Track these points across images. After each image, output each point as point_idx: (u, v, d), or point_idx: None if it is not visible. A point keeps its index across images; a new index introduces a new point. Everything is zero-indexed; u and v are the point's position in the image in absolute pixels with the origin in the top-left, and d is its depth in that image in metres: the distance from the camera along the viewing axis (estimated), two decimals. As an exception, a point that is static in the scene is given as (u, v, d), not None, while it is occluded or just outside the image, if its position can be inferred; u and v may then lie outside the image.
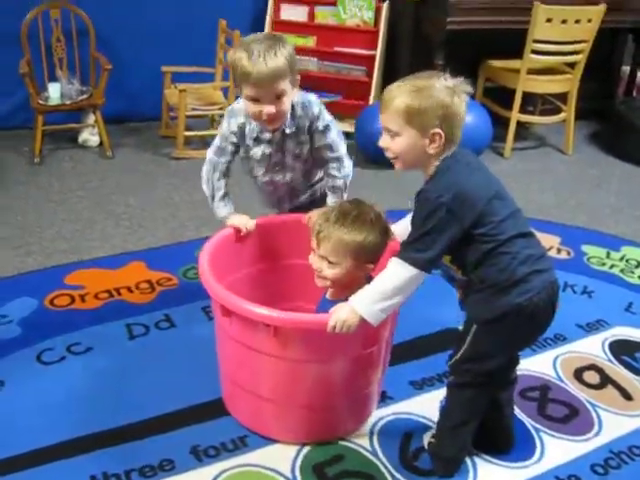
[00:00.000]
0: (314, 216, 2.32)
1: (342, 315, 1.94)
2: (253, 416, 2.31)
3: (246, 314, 2.02)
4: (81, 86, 4.56)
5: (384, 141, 1.98)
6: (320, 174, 2.61)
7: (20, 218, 3.66)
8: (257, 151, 2.47)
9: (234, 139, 2.47)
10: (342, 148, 2.50)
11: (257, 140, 2.45)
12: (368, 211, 2.14)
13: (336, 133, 2.47)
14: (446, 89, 1.88)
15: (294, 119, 2.38)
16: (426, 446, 2.25)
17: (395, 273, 1.91)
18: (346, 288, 2.13)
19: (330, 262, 2.12)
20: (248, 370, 2.20)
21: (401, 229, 2.20)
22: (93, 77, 4.64)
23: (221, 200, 2.57)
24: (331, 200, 2.52)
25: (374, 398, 2.38)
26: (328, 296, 2.26)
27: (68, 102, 4.44)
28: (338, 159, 2.49)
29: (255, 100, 2.25)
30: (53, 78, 4.55)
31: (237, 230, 2.48)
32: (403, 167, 1.99)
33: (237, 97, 2.43)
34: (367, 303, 1.93)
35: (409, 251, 1.89)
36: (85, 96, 4.50)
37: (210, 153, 2.55)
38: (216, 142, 2.52)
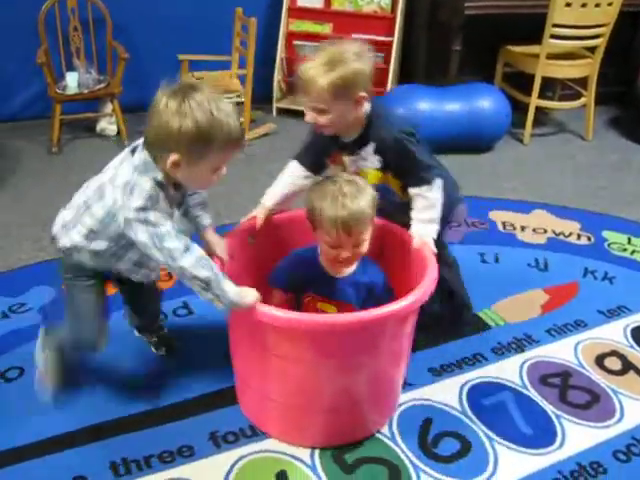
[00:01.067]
0: None
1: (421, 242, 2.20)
2: (275, 421, 2.26)
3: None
4: (98, 75, 4.57)
5: (311, 117, 2.13)
6: None
7: (38, 207, 3.67)
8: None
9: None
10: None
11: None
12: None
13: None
14: (355, 55, 2.03)
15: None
16: None
17: (430, 197, 2.22)
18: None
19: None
20: (272, 378, 2.15)
21: (275, 201, 2.42)
22: (110, 66, 4.64)
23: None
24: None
25: (397, 394, 2.36)
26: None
27: (86, 91, 4.45)
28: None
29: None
30: (70, 67, 4.56)
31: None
32: (334, 132, 2.19)
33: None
34: (432, 232, 2.25)
35: (424, 178, 2.21)
36: (102, 85, 4.51)
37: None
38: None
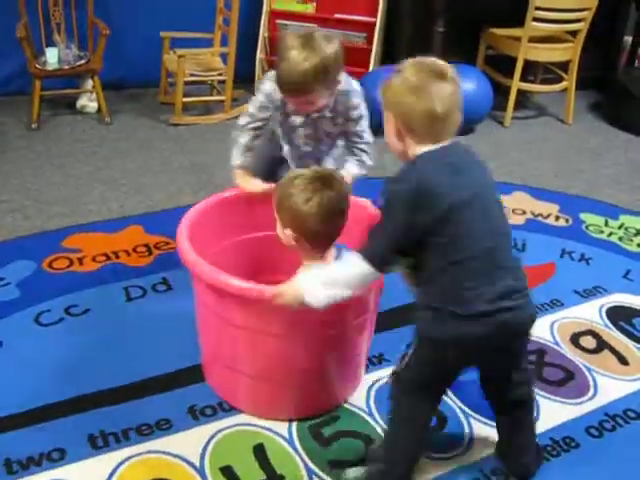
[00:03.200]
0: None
1: (286, 289, 1.85)
2: (242, 395, 2.28)
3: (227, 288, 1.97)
4: (79, 51, 4.52)
5: None
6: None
7: (18, 182, 3.65)
8: (296, 119, 2.47)
9: (278, 102, 2.44)
10: (370, 138, 2.50)
11: (295, 111, 2.44)
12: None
13: (367, 124, 2.47)
14: (405, 86, 1.79)
15: (334, 104, 2.39)
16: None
17: (350, 264, 1.80)
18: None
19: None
20: (238, 351, 2.16)
21: None
22: (91, 42, 4.60)
23: (239, 149, 2.50)
24: (351, 168, 2.49)
25: (361, 370, 2.39)
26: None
27: (66, 67, 4.41)
28: (366, 143, 2.49)
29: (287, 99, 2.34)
30: (51, 43, 4.51)
31: (241, 192, 2.46)
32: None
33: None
34: (313, 286, 1.80)
35: (366, 245, 1.78)
36: (83, 61, 4.46)
37: (250, 107, 2.49)
38: (259, 98, 2.46)
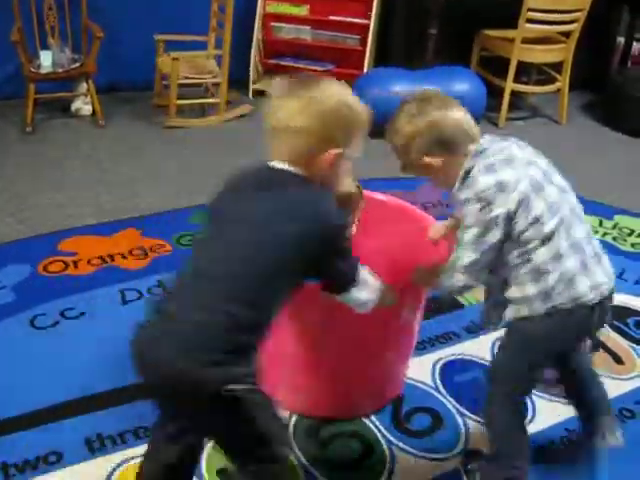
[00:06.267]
0: None
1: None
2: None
3: None
4: (73, 54, 4.53)
5: None
6: None
7: (13, 186, 3.65)
8: None
9: None
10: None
11: None
12: None
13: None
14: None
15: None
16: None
17: None
18: None
19: None
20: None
21: None
22: (85, 45, 4.60)
23: None
24: None
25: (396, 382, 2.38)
26: None
27: (60, 70, 4.41)
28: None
29: None
30: (45, 46, 4.51)
31: None
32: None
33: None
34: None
35: None
36: (77, 64, 4.47)
37: None
38: None
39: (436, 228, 2.19)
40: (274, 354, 2.18)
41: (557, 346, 1.89)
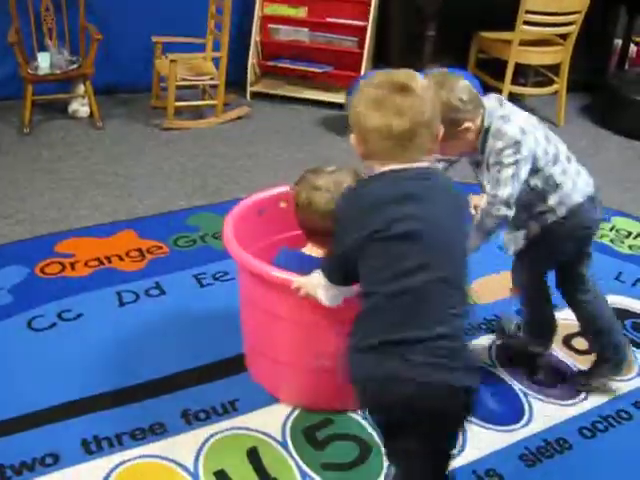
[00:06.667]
0: None
1: (305, 282, 1.90)
2: (272, 380, 2.34)
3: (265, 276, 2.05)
4: (71, 56, 4.52)
5: None
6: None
7: (10, 187, 3.64)
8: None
9: None
10: (504, 192, 2.10)
11: None
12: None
13: (504, 173, 2.11)
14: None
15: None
16: None
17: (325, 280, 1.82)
18: None
19: None
20: (266, 334, 2.23)
21: None
22: (83, 47, 4.59)
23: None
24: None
25: None
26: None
27: (58, 72, 4.40)
28: (492, 196, 2.13)
29: None
30: (42, 48, 4.50)
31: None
32: None
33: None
34: (318, 287, 1.84)
35: (323, 265, 1.84)
36: (75, 66, 4.46)
37: None
38: None
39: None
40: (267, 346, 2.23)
41: (579, 235, 2.29)
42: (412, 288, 1.51)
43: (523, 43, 4.65)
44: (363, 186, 1.67)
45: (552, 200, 2.19)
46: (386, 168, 1.61)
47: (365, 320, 1.58)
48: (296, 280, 1.94)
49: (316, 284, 1.84)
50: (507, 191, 2.08)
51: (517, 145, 2.07)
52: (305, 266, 1.99)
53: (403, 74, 1.64)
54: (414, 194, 1.58)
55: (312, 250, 2.18)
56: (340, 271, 1.72)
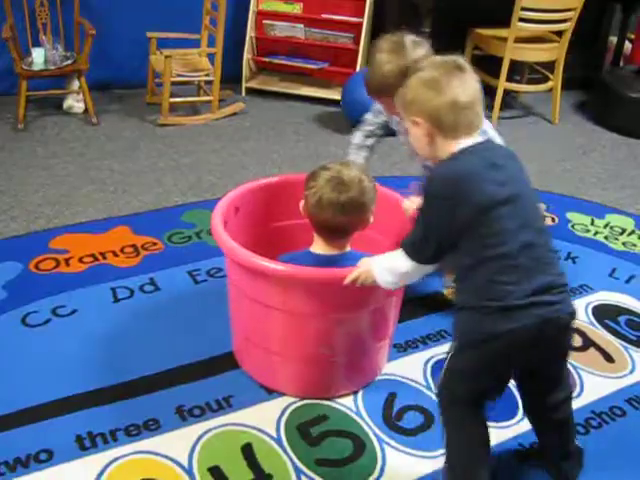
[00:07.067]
0: None
1: (361, 272, 1.96)
2: (262, 369, 2.36)
3: (255, 267, 2.06)
4: (65, 52, 4.51)
5: None
6: None
7: (4, 183, 3.64)
8: (400, 138, 2.64)
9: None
10: None
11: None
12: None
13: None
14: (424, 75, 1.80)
15: None
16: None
17: (398, 257, 1.87)
18: None
19: None
20: (257, 324, 2.24)
21: None
22: (77, 43, 4.59)
23: (352, 148, 2.76)
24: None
25: (383, 357, 2.43)
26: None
27: (52, 67, 4.39)
28: None
29: None
30: (37, 43, 4.50)
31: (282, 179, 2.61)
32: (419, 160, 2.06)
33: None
34: (381, 272, 1.93)
35: (406, 240, 1.85)
36: (69, 62, 4.45)
37: (369, 112, 2.75)
38: (375, 105, 2.70)
39: (410, 202, 2.27)
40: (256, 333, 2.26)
41: None
42: (524, 244, 1.69)
43: (518, 40, 4.66)
44: (454, 165, 1.76)
45: None
46: (460, 146, 1.77)
47: (490, 284, 1.69)
48: (348, 276, 1.97)
49: (377, 269, 1.93)
50: None
51: None
52: (317, 265, 2.11)
53: (450, 57, 1.82)
54: (497, 164, 1.75)
55: (321, 248, 2.21)
56: (432, 249, 1.79)
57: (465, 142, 1.77)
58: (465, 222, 1.69)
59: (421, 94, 1.77)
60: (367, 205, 2.15)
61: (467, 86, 1.76)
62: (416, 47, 2.31)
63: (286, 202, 2.50)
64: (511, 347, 1.72)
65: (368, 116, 2.77)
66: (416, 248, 1.82)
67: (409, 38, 2.34)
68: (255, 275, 2.09)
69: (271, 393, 2.32)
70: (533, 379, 1.92)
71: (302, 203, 2.20)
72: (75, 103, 4.64)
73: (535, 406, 2.00)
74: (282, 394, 2.31)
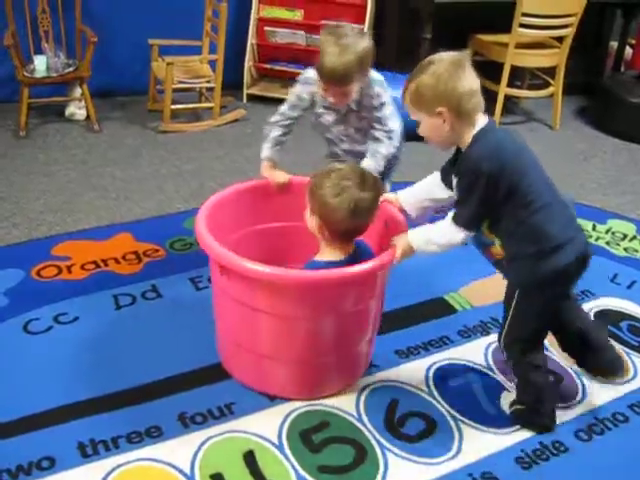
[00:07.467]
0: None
1: (405, 247, 2.16)
2: (250, 373, 2.37)
3: (241, 271, 2.07)
4: (67, 59, 4.52)
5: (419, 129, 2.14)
6: None
7: (6, 190, 3.64)
8: (327, 118, 2.72)
9: (306, 103, 2.67)
10: (393, 125, 2.66)
11: (326, 108, 2.65)
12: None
13: (390, 111, 2.66)
14: (437, 67, 2.00)
15: (359, 97, 2.58)
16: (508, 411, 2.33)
17: (447, 231, 2.12)
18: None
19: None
20: (245, 328, 2.25)
21: (406, 196, 2.41)
22: (79, 50, 4.59)
23: (269, 142, 2.73)
24: (366, 163, 2.63)
25: (364, 358, 2.44)
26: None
27: (54, 75, 4.40)
28: (387, 131, 2.66)
29: (324, 90, 2.50)
30: (39, 51, 4.51)
31: (267, 182, 2.64)
32: (438, 147, 2.15)
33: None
34: (426, 244, 2.16)
35: (457, 214, 2.09)
36: (71, 69, 4.46)
37: (283, 106, 2.73)
38: (290, 98, 2.71)
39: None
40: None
41: None
42: (553, 196, 2.07)
43: (519, 46, 4.66)
44: (488, 143, 2.02)
45: None
46: (478, 127, 2.03)
47: (540, 231, 2.03)
48: (397, 256, 2.16)
49: (419, 242, 2.16)
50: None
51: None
52: None
53: (451, 52, 2.03)
54: (513, 135, 2.12)
55: (328, 255, 2.23)
56: (480, 218, 2.10)
57: (480, 123, 2.03)
58: (510, 188, 1.99)
59: (442, 86, 1.97)
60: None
61: (473, 75, 2.00)
62: (361, 36, 2.47)
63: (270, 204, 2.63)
64: (568, 279, 2.13)
65: (284, 110, 2.71)
66: (471, 222, 2.09)
67: (352, 29, 2.49)
68: (267, 285, 2.10)
69: (273, 400, 2.32)
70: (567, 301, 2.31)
71: (313, 217, 2.20)
72: (77, 110, 4.65)
73: (571, 323, 2.35)
74: (284, 400, 2.31)
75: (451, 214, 2.11)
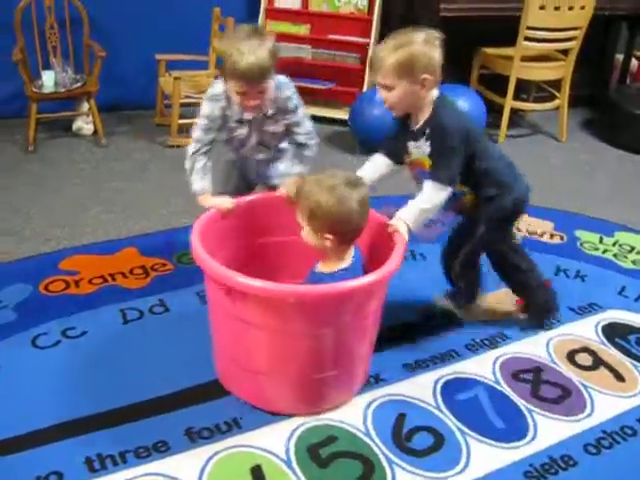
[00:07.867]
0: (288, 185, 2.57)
1: (404, 227, 2.32)
2: (249, 390, 2.36)
3: (240, 287, 2.08)
4: (75, 74, 4.55)
5: (382, 95, 2.35)
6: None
7: (14, 205, 3.66)
8: (240, 131, 2.63)
9: (219, 122, 2.59)
10: (309, 126, 2.70)
11: (239, 122, 2.60)
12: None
13: (304, 113, 2.69)
14: (422, 41, 2.27)
15: (273, 101, 2.54)
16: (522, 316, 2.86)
17: (433, 194, 2.35)
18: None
19: None
20: (242, 344, 2.25)
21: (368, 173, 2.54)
22: (87, 65, 4.62)
23: (197, 174, 2.63)
24: (299, 169, 2.68)
25: (360, 371, 2.43)
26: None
27: (62, 90, 4.43)
28: (307, 133, 2.69)
29: (242, 93, 2.41)
30: (47, 66, 4.54)
31: (218, 211, 2.58)
32: (399, 113, 2.40)
33: (216, 77, 2.54)
34: (418, 218, 2.36)
35: (440, 175, 2.34)
36: (79, 84, 4.49)
37: (197, 132, 2.63)
38: (201, 122, 2.61)
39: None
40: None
41: None
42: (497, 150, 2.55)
43: (525, 59, 4.68)
44: (457, 115, 2.39)
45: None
46: (435, 94, 2.36)
47: (503, 175, 2.50)
48: (405, 241, 2.30)
49: (412, 219, 2.34)
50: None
51: None
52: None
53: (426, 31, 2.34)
54: None
55: (336, 263, 2.25)
56: (458, 172, 2.36)
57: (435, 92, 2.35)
58: (475, 144, 2.38)
59: (429, 56, 2.27)
60: None
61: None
62: (260, 33, 2.42)
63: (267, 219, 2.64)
64: (522, 208, 2.59)
65: (200, 136, 2.62)
66: (453, 178, 2.35)
67: (254, 26, 2.51)
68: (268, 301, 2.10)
69: (277, 414, 2.31)
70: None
71: (317, 232, 2.20)
72: (84, 125, 4.67)
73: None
74: (290, 415, 2.31)
75: (430, 179, 2.35)
